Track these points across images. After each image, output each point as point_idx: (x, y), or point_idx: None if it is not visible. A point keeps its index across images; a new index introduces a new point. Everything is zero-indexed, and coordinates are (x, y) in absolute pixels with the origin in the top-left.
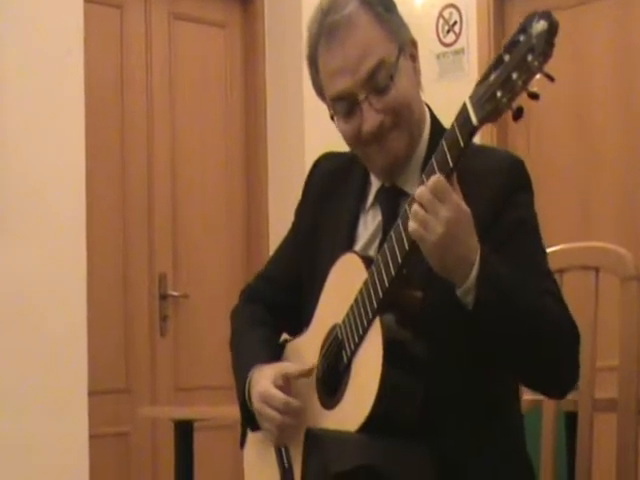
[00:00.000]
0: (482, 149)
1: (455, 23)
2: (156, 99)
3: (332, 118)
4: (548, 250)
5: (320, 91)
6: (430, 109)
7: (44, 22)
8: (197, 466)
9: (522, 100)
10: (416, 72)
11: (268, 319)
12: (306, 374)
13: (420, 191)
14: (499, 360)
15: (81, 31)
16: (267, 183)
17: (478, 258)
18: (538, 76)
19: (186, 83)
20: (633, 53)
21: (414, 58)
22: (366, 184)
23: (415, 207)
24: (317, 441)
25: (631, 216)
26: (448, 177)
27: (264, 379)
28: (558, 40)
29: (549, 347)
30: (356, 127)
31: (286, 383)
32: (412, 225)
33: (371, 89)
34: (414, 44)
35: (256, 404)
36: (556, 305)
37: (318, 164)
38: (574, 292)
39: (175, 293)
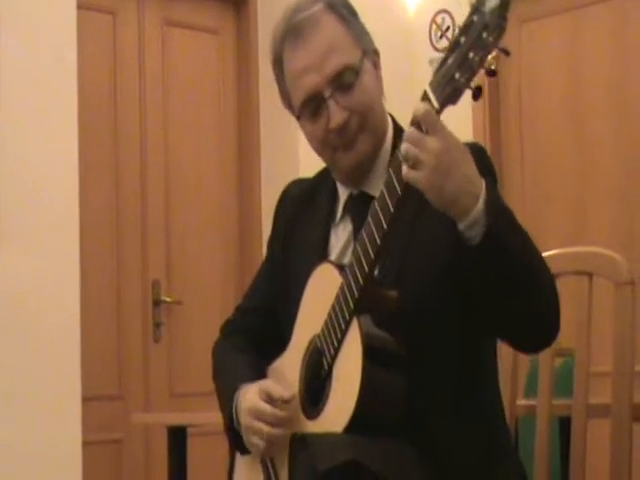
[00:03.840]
0: None
1: (448, 29)
2: (149, 105)
3: (298, 118)
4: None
5: (287, 98)
6: (393, 118)
7: (37, 28)
8: (191, 472)
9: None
10: (379, 79)
11: (249, 346)
12: (286, 401)
13: (408, 131)
14: (486, 305)
15: (74, 37)
16: (260, 189)
17: (484, 188)
18: (494, 52)
19: (179, 89)
20: (629, 58)
21: (377, 66)
22: (334, 199)
23: (404, 146)
24: (302, 444)
25: (625, 221)
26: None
27: (250, 395)
28: (553, 44)
29: (542, 290)
30: (323, 126)
31: (269, 400)
32: (404, 168)
33: (337, 86)
34: (377, 54)
35: (244, 419)
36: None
37: (286, 192)
38: (568, 297)
39: (168, 299)
